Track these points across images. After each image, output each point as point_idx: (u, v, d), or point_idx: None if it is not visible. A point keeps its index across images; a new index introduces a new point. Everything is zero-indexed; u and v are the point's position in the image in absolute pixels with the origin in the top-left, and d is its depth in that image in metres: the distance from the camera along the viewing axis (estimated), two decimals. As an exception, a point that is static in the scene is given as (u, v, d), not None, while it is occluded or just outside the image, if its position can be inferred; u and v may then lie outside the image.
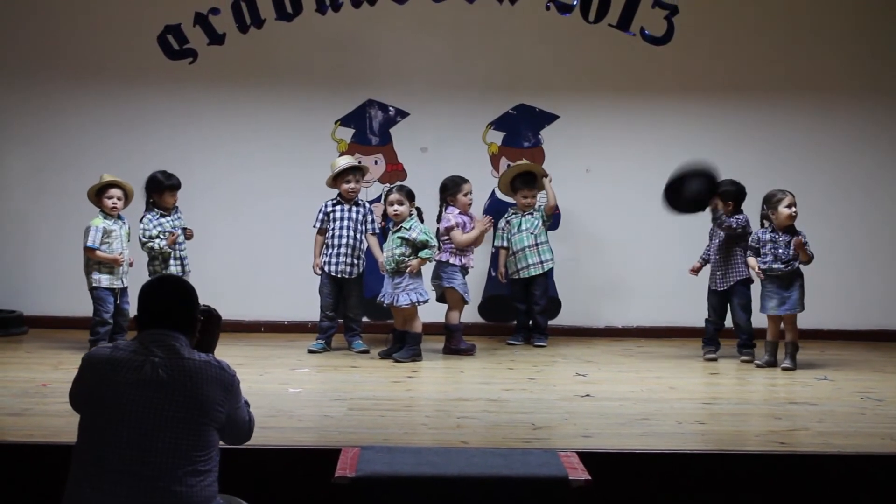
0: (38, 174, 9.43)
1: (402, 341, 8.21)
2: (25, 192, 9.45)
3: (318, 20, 9.41)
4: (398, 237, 8.15)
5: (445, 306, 8.59)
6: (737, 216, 8.32)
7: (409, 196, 8.22)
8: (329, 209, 8.55)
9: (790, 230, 8.10)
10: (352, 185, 8.50)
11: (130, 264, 8.27)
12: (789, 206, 8.08)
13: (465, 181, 8.73)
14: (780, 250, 8.06)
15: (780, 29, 9.55)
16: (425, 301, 8.23)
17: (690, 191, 7.85)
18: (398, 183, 8.57)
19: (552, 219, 9.16)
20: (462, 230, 8.56)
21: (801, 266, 8.09)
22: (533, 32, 9.49)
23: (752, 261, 8.18)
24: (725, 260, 8.39)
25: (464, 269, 8.63)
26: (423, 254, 8.11)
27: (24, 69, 9.37)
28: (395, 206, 8.19)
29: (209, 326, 4.28)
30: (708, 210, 8.24)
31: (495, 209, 9.26)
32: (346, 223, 8.52)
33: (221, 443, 4.11)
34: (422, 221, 8.27)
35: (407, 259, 8.12)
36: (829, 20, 9.59)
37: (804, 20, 9.57)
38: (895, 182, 9.69)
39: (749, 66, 9.55)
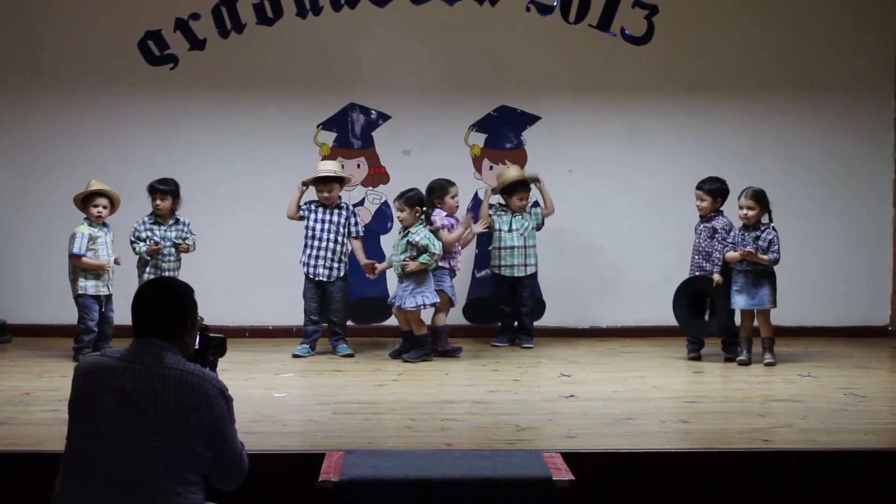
0: (21, 181, 9.40)
1: (410, 342, 8.32)
2: (7, 199, 9.41)
3: (298, 24, 9.41)
4: (405, 241, 8.21)
5: (432, 308, 8.60)
6: (719, 218, 8.36)
7: (411, 202, 8.26)
8: (312, 206, 8.57)
9: (756, 227, 8.16)
10: (325, 193, 8.52)
11: (117, 262, 8.27)
12: (740, 208, 8.19)
13: (452, 184, 8.77)
14: (748, 246, 8.11)
15: (760, 27, 9.58)
16: (432, 304, 8.32)
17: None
18: (404, 190, 8.47)
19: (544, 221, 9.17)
20: (448, 232, 8.60)
21: (774, 264, 8.17)
22: (513, 34, 9.51)
23: (729, 254, 8.20)
24: (704, 261, 8.40)
25: (451, 272, 8.68)
26: (421, 258, 8.16)
27: (5, 76, 9.35)
28: (397, 213, 8.34)
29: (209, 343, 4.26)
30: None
31: (479, 211, 9.26)
32: (325, 226, 8.53)
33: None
34: (430, 225, 8.32)
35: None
36: (809, 18, 9.62)
37: (784, 18, 9.60)
38: (876, 178, 9.73)
39: (729, 64, 9.58)
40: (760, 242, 8.11)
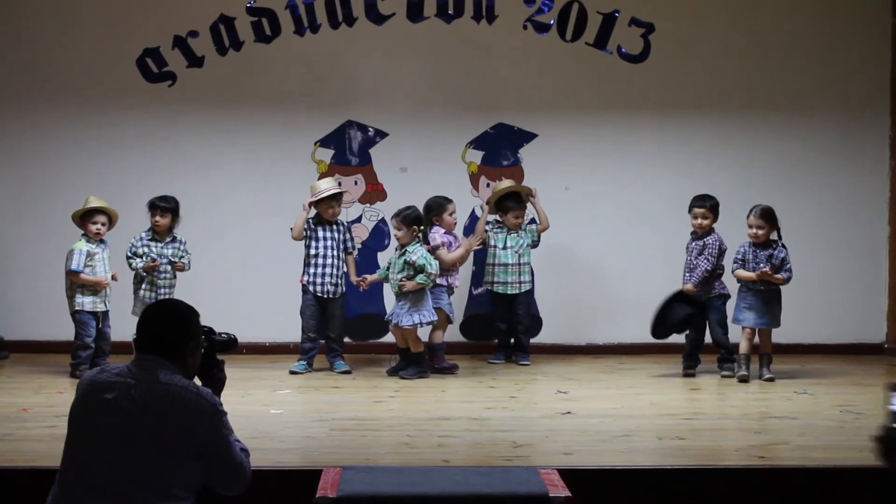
0: (18, 198, 9.42)
1: (408, 359, 8.32)
2: (5, 215, 9.42)
3: (296, 42, 9.44)
4: (403, 260, 8.21)
5: (429, 326, 8.61)
6: (712, 234, 8.40)
7: (407, 220, 8.28)
8: (311, 225, 8.58)
9: (766, 245, 8.19)
10: (332, 209, 8.56)
11: (114, 278, 8.28)
12: (750, 226, 8.22)
13: (450, 201, 8.80)
14: (762, 265, 8.14)
15: (756, 46, 9.62)
16: (429, 322, 8.36)
17: (676, 316, 8.37)
18: (401, 208, 8.47)
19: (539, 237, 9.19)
20: (448, 249, 8.62)
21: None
22: (510, 52, 9.54)
23: (742, 273, 8.23)
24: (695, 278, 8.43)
25: (450, 289, 8.71)
26: (418, 278, 8.18)
27: (3, 92, 9.38)
28: (394, 232, 8.39)
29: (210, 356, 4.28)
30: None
31: (475, 227, 9.27)
32: (328, 243, 8.56)
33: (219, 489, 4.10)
34: (426, 243, 8.34)
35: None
36: (804, 37, 9.66)
37: (780, 37, 9.64)
38: (872, 196, 9.74)
39: (725, 83, 9.62)
40: (773, 261, 8.14)
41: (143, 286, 8.37)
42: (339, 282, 8.60)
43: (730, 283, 8.49)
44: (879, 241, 9.76)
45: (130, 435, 3.84)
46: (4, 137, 9.42)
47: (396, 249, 8.46)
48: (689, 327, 8.44)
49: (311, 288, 8.56)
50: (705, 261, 8.32)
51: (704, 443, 6.30)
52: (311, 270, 8.56)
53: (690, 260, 8.46)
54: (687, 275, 8.45)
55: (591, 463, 5.64)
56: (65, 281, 8.22)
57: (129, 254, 8.37)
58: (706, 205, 8.44)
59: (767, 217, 8.21)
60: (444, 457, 5.73)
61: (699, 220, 8.45)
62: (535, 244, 9.12)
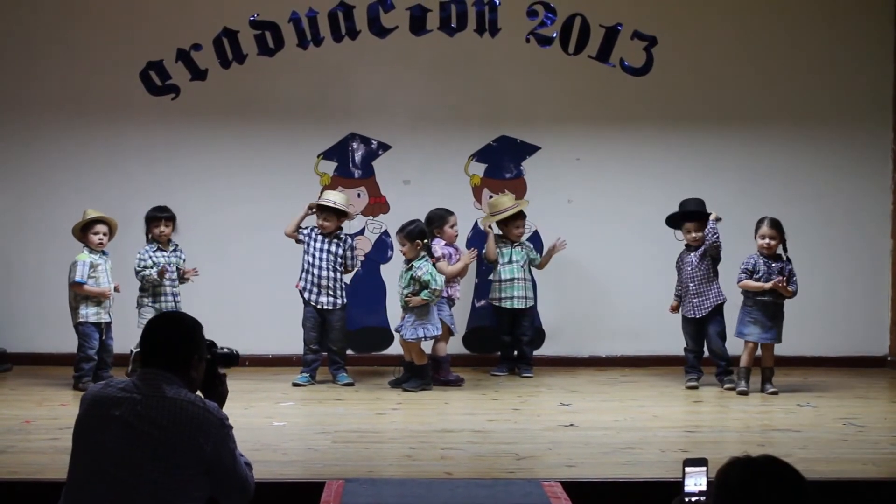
0: (20, 209, 9.43)
1: (411, 371, 8.33)
2: (7, 227, 9.44)
3: (299, 55, 9.46)
4: (410, 275, 8.23)
5: (432, 339, 8.62)
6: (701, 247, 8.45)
7: (411, 236, 8.26)
8: (313, 234, 8.59)
9: (777, 258, 8.19)
10: (320, 221, 8.55)
11: (117, 289, 8.28)
12: (763, 237, 8.19)
13: (451, 213, 8.81)
14: (775, 276, 8.12)
15: (758, 59, 9.64)
16: (433, 337, 8.36)
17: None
18: (404, 224, 8.44)
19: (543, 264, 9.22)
20: (448, 261, 8.63)
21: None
22: (513, 65, 9.56)
23: (750, 282, 8.20)
24: (701, 287, 8.43)
25: (450, 301, 8.71)
26: (422, 294, 8.18)
27: (6, 104, 9.40)
28: (399, 247, 8.40)
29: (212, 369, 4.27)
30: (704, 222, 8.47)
31: (479, 240, 9.28)
32: (324, 255, 8.54)
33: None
34: (431, 257, 8.35)
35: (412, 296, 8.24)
36: (807, 51, 9.68)
37: (782, 51, 9.67)
38: (876, 208, 9.76)
39: (728, 95, 9.64)
40: (784, 273, 8.13)
41: (163, 297, 8.36)
42: (340, 293, 8.60)
43: (729, 293, 8.49)
44: (882, 253, 9.77)
45: (138, 451, 3.82)
46: (7, 149, 9.43)
47: (404, 262, 8.45)
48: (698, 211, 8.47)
49: (306, 296, 8.57)
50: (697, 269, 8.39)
51: (707, 455, 6.19)
52: (307, 278, 8.57)
53: (692, 271, 8.45)
54: (692, 285, 8.45)
55: (593, 475, 5.63)
56: (68, 293, 8.23)
57: (139, 268, 8.35)
58: (701, 214, 8.47)
59: (779, 227, 8.20)
60: (447, 469, 5.73)
61: (692, 234, 8.46)
62: (533, 262, 9.13)
